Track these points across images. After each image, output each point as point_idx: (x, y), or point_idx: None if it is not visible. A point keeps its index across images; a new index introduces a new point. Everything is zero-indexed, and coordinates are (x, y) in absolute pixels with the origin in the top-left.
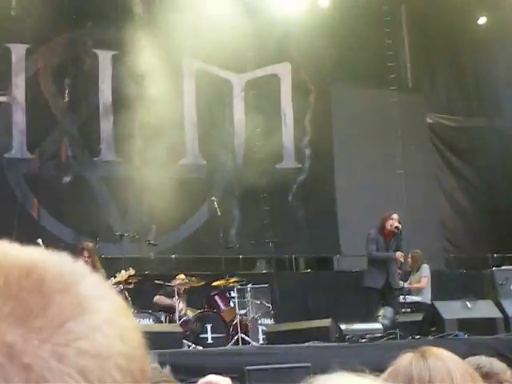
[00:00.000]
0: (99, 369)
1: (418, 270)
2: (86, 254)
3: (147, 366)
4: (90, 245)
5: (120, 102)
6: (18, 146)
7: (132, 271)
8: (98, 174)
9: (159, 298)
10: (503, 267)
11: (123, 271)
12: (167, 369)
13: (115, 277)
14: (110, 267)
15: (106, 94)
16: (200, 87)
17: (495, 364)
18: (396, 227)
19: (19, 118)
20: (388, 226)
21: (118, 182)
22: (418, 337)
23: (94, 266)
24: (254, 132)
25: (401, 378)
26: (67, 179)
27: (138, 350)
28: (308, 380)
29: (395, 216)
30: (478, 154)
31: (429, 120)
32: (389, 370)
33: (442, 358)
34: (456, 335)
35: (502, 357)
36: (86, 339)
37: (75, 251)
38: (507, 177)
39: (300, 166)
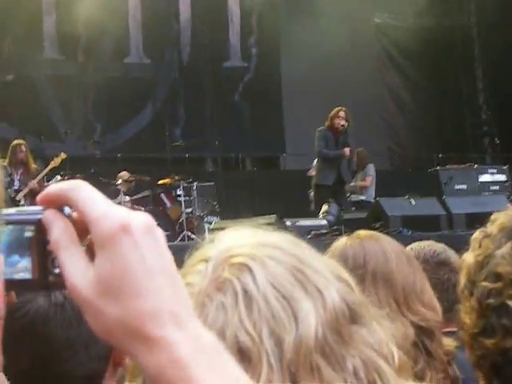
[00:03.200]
0: None
1: (363, 169)
2: (23, 148)
3: None
4: (23, 141)
5: None
6: None
7: (63, 155)
8: (42, 72)
9: None
10: (448, 166)
11: (55, 158)
12: None
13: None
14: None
15: None
16: None
17: (450, 252)
18: (342, 125)
19: None
20: (336, 123)
21: (62, 80)
22: None
23: (28, 161)
24: (200, 30)
25: (336, 259)
26: (10, 77)
27: None
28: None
29: (342, 113)
30: (425, 54)
31: (376, 20)
32: (326, 254)
33: (377, 240)
34: (400, 231)
35: None
36: None
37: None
38: (453, 77)
39: (246, 64)
